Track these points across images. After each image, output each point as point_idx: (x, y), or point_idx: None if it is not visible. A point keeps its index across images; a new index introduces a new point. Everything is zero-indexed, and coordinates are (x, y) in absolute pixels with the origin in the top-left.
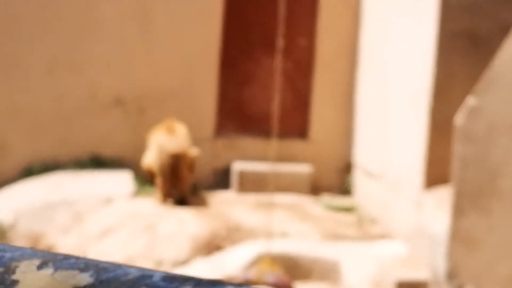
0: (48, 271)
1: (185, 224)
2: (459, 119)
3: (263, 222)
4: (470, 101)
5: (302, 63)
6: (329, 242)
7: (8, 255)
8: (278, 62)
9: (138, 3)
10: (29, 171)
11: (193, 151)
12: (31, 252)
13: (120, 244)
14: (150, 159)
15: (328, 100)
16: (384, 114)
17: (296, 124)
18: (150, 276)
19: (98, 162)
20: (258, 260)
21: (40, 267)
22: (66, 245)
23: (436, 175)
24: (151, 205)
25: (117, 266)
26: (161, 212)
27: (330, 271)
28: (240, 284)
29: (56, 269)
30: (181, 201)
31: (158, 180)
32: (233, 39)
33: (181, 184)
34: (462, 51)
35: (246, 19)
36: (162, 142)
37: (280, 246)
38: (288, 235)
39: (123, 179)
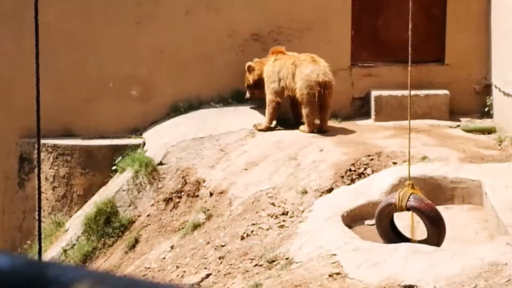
0: None
1: (327, 152)
2: None
3: (403, 147)
4: None
5: None
6: (470, 164)
7: (67, 275)
8: None
9: None
10: (175, 109)
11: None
12: (86, 273)
13: (265, 175)
14: (291, 86)
15: (463, 24)
16: None
17: (431, 50)
18: None
19: (240, 97)
20: (400, 185)
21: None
22: (214, 178)
23: None
24: (293, 135)
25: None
26: (303, 142)
27: (472, 193)
28: None
29: None
30: (322, 129)
31: (306, 109)
32: None
33: (325, 113)
34: None
35: None
36: (309, 72)
37: (421, 170)
38: (429, 159)
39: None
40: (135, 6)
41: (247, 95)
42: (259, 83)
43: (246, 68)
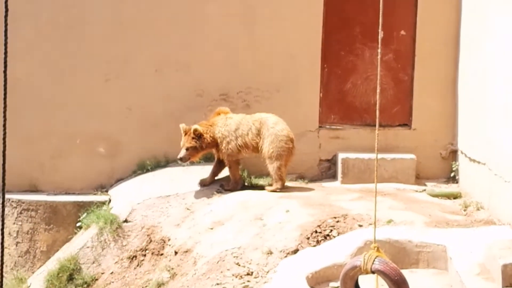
0: None
1: (293, 213)
2: None
3: (369, 210)
4: None
5: (403, 54)
6: (435, 228)
7: None
8: (379, 54)
9: (243, 2)
10: (142, 167)
11: None
12: None
13: (231, 235)
14: (253, 142)
15: (430, 89)
16: (485, 100)
17: (399, 114)
18: None
19: (207, 156)
20: (365, 247)
21: None
22: (179, 237)
23: None
24: (259, 195)
25: None
26: (269, 203)
27: (437, 258)
28: None
29: None
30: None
31: (277, 163)
32: (335, 33)
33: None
34: None
35: (346, 13)
36: (281, 127)
37: (386, 234)
38: (394, 223)
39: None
40: (105, 63)
41: (185, 157)
42: (207, 146)
43: (192, 131)
